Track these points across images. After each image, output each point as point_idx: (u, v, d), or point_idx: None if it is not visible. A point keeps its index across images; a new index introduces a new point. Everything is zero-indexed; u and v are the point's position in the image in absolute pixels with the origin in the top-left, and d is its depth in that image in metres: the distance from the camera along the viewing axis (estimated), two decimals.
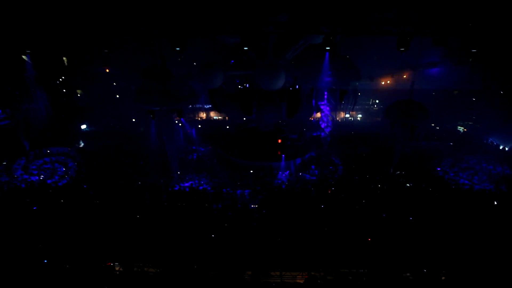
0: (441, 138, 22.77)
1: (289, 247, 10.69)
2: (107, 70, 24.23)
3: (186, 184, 16.21)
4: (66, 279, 9.25)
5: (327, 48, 12.80)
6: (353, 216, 12.32)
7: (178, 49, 12.42)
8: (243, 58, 19.12)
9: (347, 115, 26.09)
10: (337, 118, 21.04)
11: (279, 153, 19.36)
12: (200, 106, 29.29)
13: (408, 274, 9.59)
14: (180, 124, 22.06)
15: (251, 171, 17.82)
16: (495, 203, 12.47)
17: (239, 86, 18.23)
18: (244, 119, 24.54)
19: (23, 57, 18.17)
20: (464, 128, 25.72)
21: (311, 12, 15.58)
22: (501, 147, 20.93)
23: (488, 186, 15.56)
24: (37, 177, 16.51)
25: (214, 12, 15.43)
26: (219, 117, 29.67)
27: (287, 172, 17.72)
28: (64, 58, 23.55)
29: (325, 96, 20.07)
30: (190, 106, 26.48)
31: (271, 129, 20.42)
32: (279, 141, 20.46)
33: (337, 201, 13.24)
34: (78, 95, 26.62)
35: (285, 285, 9.70)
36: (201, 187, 15.59)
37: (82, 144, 22.74)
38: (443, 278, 9.39)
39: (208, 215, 12.38)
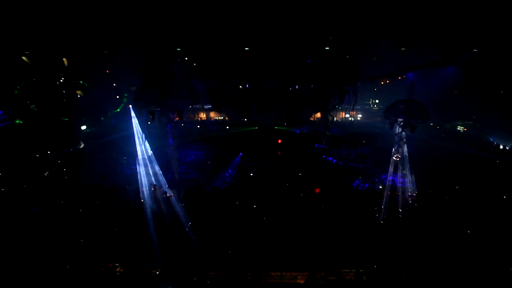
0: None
1: (290, 247, 10.70)
2: (107, 71, 24.20)
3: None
4: (67, 280, 9.25)
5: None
6: (354, 216, 12.36)
7: (179, 49, 12.45)
8: (243, 58, 19.14)
9: (347, 115, 26.09)
10: (337, 118, 21.01)
11: (279, 153, 19.35)
12: (200, 106, 29.26)
13: (407, 274, 9.59)
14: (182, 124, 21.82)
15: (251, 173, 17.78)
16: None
17: (239, 87, 18.21)
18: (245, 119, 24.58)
19: (24, 58, 18.19)
20: (464, 128, 25.71)
21: None
22: (501, 147, 20.95)
23: None
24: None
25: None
26: (219, 118, 29.66)
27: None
28: (64, 59, 23.53)
29: None
30: (190, 106, 26.46)
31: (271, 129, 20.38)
32: (279, 141, 20.45)
33: (336, 201, 13.27)
34: (78, 96, 26.59)
35: (285, 285, 9.70)
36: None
37: (82, 145, 22.74)
38: (443, 278, 9.38)
39: (209, 214, 12.41)
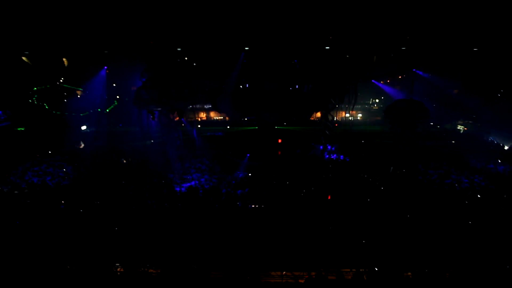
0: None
1: (290, 246, 10.70)
2: (107, 71, 24.22)
3: (187, 185, 16.15)
4: (67, 280, 9.25)
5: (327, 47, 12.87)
6: (354, 215, 12.36)
7: (179, 49, 12.45)
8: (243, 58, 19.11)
9: (347, 115, 26.09)
10: (337, 118, 21.00)
11: (279, 152, 19.33)
12: (200, 106, 29.29)
13: (409, 273, 9.58)
14: (182, 125, 21.96)
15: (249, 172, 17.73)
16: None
17: (239, 86, 18.18)
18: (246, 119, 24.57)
19: (23, 58, 18.19)
20: (464, 127, 25.71)
21: None
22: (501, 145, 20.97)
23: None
24: (37, 179, 16.47)
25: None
26: (219, 117, 29.67)
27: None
28: (63, 59, 23.54)
29: None
30: (190, 106, 26.51)
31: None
32: (279, 140, 20.43)
33: (338, 200, 13.26)
34: (78, 96, 26.61)
35: (286, 285, 9.69)
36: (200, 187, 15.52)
37: (82, 145, 22.74)
38: (445, 277, 9.37)
39: (208, 214, 12.41)
